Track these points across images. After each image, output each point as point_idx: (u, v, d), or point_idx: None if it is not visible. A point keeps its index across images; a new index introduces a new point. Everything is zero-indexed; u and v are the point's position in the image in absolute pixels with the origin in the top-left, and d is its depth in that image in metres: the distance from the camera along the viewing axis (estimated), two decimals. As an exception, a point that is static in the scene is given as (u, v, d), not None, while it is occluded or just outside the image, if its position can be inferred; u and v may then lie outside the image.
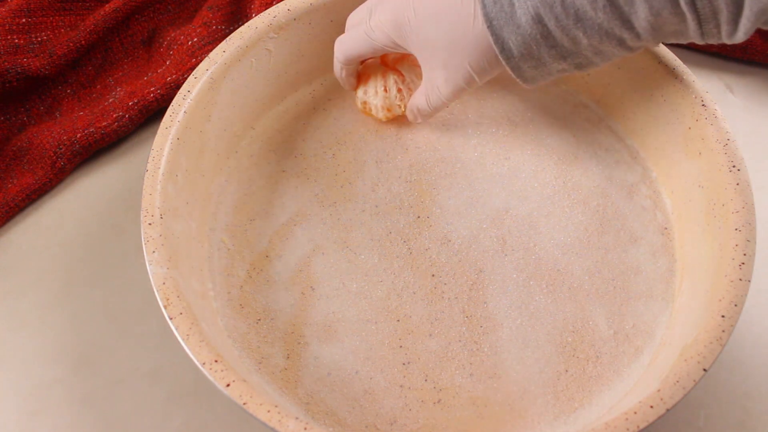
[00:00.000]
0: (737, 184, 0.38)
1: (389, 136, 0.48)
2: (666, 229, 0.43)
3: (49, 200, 0.49)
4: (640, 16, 0.33)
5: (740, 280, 0.35)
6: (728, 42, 0.34)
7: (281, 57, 0.47)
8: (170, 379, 0.41)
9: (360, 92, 0.47)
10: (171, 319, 0.34)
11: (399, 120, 0.48)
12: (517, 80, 0.38)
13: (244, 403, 0.32)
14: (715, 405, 0.40)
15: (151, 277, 0.36)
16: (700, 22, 0.33)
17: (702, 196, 0.40)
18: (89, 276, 0.45)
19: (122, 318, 0.44)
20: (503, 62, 0.37)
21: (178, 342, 0.34)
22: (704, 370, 0.32)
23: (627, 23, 0.34)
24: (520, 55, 0.36)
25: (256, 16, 0.48)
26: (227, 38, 0.45)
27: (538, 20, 0.34)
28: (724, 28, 0.33)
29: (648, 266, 0.42)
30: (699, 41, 0.34)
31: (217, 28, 0.54)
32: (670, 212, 0.44)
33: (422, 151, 0.47)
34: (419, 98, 0.43)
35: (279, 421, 0.31)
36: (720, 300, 0.34)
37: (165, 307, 0.35)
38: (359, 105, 0.48)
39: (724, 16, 0.32)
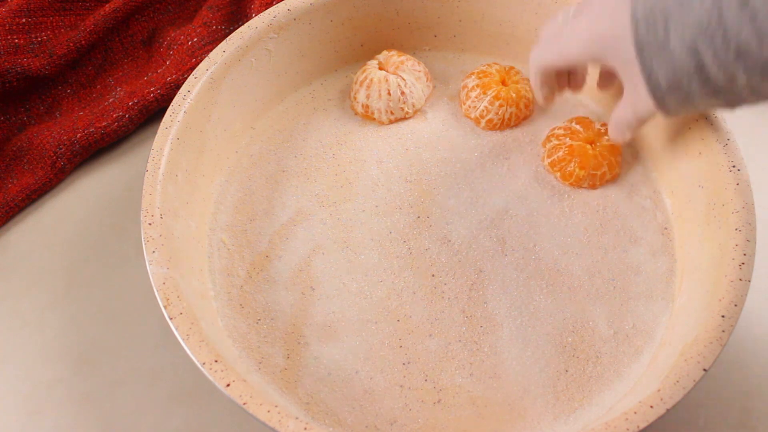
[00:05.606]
0: (737, 184, 0.38)
1: (389, 136, 0.48)
2: (666, 229, 0.43)
3: (49, 200, 0.49)
4: None
5: (740, 280, 0.35)
6: None
7: (281, 57, 0.47)
8: (170, 379, 0.41)
9: (361, 96, 0.47)
10: (171, 319, 0.34)
11: (399, 120, 0.48)
12: (659, 111, 0.36)
13: (244, 403, 0.32)
14: (715, 405, 0.40)
15: (151, 277, 0.36)
16: None
17: (702, 196, 0.40)
18: (89, 276, 0.45)
19: (122, 318, 0.44)
20: (649, 94, 0.34)
21: (178, 342, 0.34)
22: (704, 370, 0.32)
23: None
24: (668, 87, 0.33)
25: (256, 16, 0.48)
26: (227, 38, 0.45)
27: (694, 52, 0.31)
28: None
29: (648, 266, 0.42)
30: None
31: (217, 28, 0.54)
32: (670, 212, 0.44)
33: (422, 151, 0.47)
34: (624, 112, 0.39)
35: (279, 421, 0.31)
36: (720, 300, 0.34)
37: (165, 307, 0.35)
38: (359, 109, 0.48)
39: None
